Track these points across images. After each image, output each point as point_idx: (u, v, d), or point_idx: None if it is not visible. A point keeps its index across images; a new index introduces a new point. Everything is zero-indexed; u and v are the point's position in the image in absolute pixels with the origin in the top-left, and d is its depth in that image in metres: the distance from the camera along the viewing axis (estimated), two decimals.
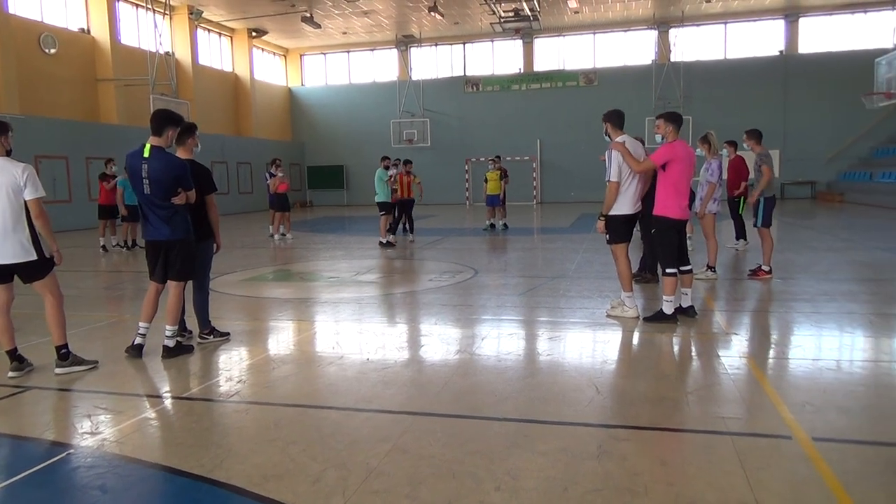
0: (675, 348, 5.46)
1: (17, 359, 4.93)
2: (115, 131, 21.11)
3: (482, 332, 6.16)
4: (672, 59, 28.09)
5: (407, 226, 15.76)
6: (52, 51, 20.31)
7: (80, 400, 4.47)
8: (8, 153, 4.78)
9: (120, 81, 22.11)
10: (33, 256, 4.77)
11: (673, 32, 28.39)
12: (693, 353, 5.34)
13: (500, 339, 5.83)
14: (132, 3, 23.55)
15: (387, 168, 13.89)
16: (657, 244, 6.16)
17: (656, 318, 6.09)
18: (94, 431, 3.85)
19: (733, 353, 5.17)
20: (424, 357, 5.36)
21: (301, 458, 3.35)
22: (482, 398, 4.28)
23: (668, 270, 6.01)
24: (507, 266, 10.57)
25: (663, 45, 28.39)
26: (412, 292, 8.27)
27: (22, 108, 18.34)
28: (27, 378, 4.86)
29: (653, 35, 28.70)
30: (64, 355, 4.94)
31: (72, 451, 3.56)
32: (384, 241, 13.28)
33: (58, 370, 4.90)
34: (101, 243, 13.48)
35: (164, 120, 5.23)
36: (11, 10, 18.75)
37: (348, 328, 6.44)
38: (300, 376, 4.88)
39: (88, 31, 21.95)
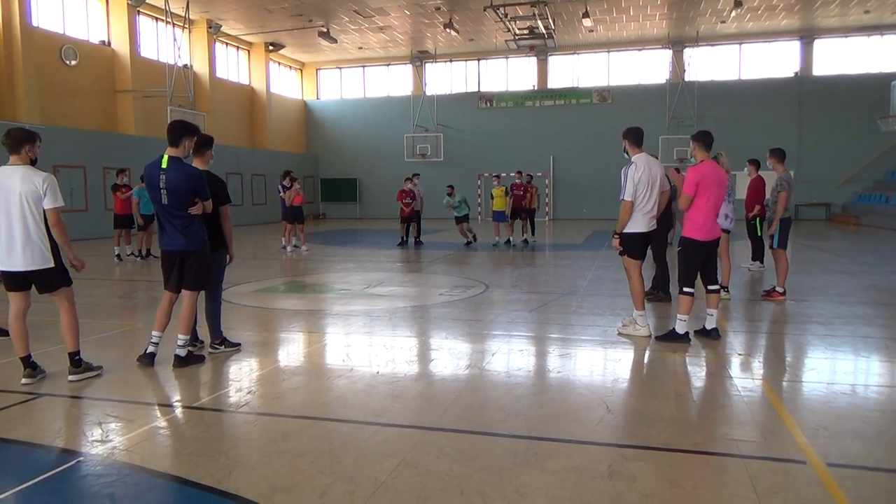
0: (688, 369, 5.41)
1: (30, 365, 4.97)
2: (132, 142, 21.35)
3: (492, 347, 6.14)
4: (686, 79, 28.09)
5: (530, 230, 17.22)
6: (73, 62, 20.63)
7: (91, 407, 4.50)
8: (32, 162, 4.88)
9: (138, 93, 22.39)
10: (51, 264, 4.84)
11: (687, 52, 28.41)
12: (706, 374, 5.29)
13: (511, 355, 5.81)
14: (152, 17, 23.91)
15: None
16: (680, 263, 6.10)
17: (669, 337, 6.05)
18: (105, 439, 3.86)
19: (747, 375, 5.12)
20: (434, 371, 5.35)
21: (309, 471, 3.34)
22: (492, 414, 4.26)
23: (685, 290, 5.97)
24: (518, 282, 10.55)
25: (677, 65, 28.41)
26: (423, 306, 8.27)
27: (42, 118, 18.61)
28: (40, 385, 4.89)
29: (667, 54, 28.72)
30: (77, 362, 4.98)
31: (82, 458, 3.58)
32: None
33: (71, 377, 4.94)
34: (116, 252, 13.60)
35: (181, 130, 5.29)
36: (35, 23, 19.10)
37: (358, 341, 6.44)
38: (309, 388, 4.88)
39: (109, 44, 22.29)
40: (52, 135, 17.83)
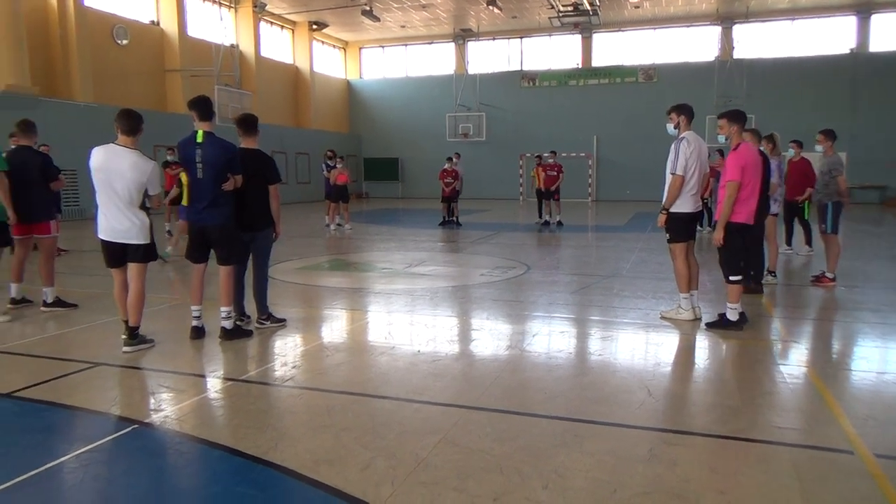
0: (732, 354, 5.33)
1: (131, 333, 5.24)
2: (181, 120, 21.71)
3: (533, 328, 6.15)
4: (735, 56, 27.21)
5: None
6: (124, 42, 21.10)
7: (144, 378, 4.69)
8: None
9: (186, 72, 22.79)
10: (147, 240, 5.21)
11: (737, 28, 27.50)
12: (750, 360, 5.19)
13: (551, 337, 5.81)
14: None
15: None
16: (723, 249, 5.89)
17: (720, 324, 5.91)
18: (158, 408, 4.02)
19: (793, 362, 5.02)
20: (475, 351, 5.39)
21: (352, 445, 3.43)
22: (531, 395, 4.28)
23: (731, 278, 5.83)
24: (559, 263, 10.49)
25: (726, 42, 27.53)
26: (464, 286, 8.31)
27: (96, 97, 19.16)
28: (96, 354, 5.10)
29: (716, 31, 27.86)
30: (134, 335, 5.21)
31: (136, 426, 3.73)
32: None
33: (126, 348, 5.16)
34: (167, 228, 13.98)
35: (210, 104, 5.46)
36: (87, 3, 19.56)
37: (400, 319, 6.52)
38: (352, 365, 4.98)
39: (158, 24, 22.71)
40: (106, 113, 18.35)
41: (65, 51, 18.71)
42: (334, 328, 6.36)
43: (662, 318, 6.30)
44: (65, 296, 6.96)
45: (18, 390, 4.30)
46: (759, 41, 27.65)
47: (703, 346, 5.53)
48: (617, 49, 29.74)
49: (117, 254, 5.21)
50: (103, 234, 5.16)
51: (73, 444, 3.50)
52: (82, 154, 5.70)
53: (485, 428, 3.68)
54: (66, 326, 6.13)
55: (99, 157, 5.05)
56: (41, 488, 3.05)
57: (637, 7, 26.08)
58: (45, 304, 6.68)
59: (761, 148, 7.61)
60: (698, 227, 6.75)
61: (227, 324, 5.53)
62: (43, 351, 5.30)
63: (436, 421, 3.79)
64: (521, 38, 30.96)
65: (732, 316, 5.83)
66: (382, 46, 33.18)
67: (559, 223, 16.35)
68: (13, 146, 7.08)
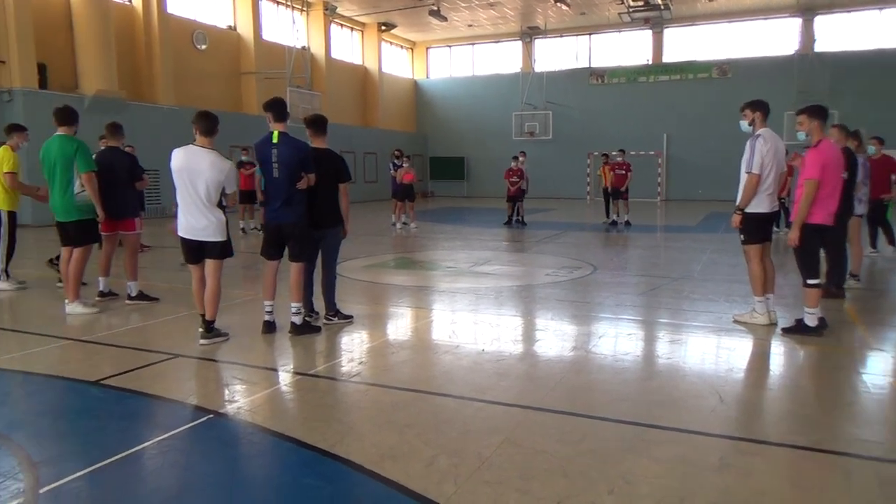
0: (810, 361, 5.09)
1: (207, 326, 5.46)
2: (255, 122, 22.49)
3: (599, 330, 6.05)
4: (816, 49, 25.90)
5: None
6: (203, 47, 21.99)
7: (219, 370, 4.87)
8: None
9: (261, 74, 23.55)
10: (224, 238, 5.43)
11: (819, 19, 26.17)
12: (830, 368, 4.95)
13: (618, 339, 5.70)
14: (274, 1, 24.99)
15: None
16: (800, 252, 5.63)
17: (797, 329, 5.65)
18: (231, 400, 4.18)
19: (877, 371, 4.76)
20: (539, 352, 5.36)
21: (416, 442, 3.46)
22: (597, 397, 4.22)
23: (809, 281, 5.57)
24: (627, 264, 10.29)
25: (807, 34, 26.24)
26: (529, 286, 8.26)
27: (177, 100, 20.05)
28: (175, 346, 5.35)
29: (796, 23, 26.60)
30: (210, 328, 5.43)
31: (212, 416, 3.89)
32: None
33: (202, 341, 5.38)
34: (241, 226, 14.50)
35: (284, 106, 5.64)
36: (170, 11, 20.48)
37: (464, 318, 6.54)
38: (417, 362, 5.03)
39: (235, 28, 23.55)
40: (187, 116, 19.16)
41: (149, 57, 19.65)
42: (399, 325, 6.44)
43: (735, 322, 6.09)
44: (147, 290, 7.31)
45: (105, 378, 4.55)
46: (843, 33, 26.24)
47: (778, 352, 5.30)
48: (689, 44, 28.83)
49: (196, 251, 5.43)
50: (183, 231, 5.39)
51: (154, 431, 3.69)
52: (165, 155, 5.97)
53: (549, 429, 3.65)
54: (149, 319, 6.45)
55: (179, 158, 5.28)
56: (125, 472, 3.22)
57: (711, 0, 25.21)
58: (130, 298, 7.06)
59: (848, 145, 7.23)
60: (774, 228, 6.48)
61: (297, 319, 5.70)
62: (127, 341, 5.60)
63: (499, 420, 3.79)
64: (590, 34, 30.45)
65: (811, 321, 5.57)
66: (449, 46, 33.31)
67: (627, 223, 16.04)
68: (102, 147, 7.49)
